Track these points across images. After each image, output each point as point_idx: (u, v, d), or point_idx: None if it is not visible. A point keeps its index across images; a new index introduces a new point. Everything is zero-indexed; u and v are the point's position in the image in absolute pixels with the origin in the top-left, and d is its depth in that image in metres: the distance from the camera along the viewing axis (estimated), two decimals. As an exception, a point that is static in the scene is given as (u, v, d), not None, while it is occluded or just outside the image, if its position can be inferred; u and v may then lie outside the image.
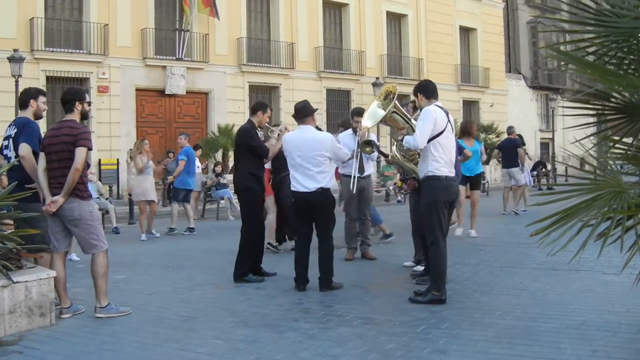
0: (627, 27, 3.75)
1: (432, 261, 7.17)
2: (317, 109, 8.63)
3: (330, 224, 8.08)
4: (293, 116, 8.34)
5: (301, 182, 7.87)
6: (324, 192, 7.90)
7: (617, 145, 4.22)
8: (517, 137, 17.82)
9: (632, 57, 3.97)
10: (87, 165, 6.70)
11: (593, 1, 4.16)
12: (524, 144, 18.25)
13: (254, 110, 8.94)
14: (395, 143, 7.75)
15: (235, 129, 8.80)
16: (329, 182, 8.01)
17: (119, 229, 15.10)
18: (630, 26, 3.75)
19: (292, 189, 8.03)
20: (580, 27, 4.23)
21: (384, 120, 7.63)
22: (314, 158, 7.82)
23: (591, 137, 4.34)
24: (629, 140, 4.21)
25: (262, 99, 31.63)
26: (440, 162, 7.05)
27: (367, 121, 7.94)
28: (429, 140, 6.99)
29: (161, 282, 8.65)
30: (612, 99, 4.18)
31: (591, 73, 3.55)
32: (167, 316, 6.68)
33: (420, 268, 8.58)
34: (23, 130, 6.86)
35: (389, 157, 8.55)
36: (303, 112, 8.16)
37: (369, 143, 8.71)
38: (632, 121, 4.10)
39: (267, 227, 10.46)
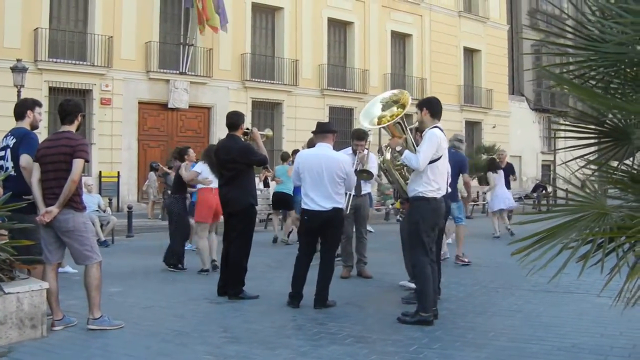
0: (613, 53, 3.80)
1: (417, 283, 7.12)
2: (336, 131, 8.54)
3: (336, 244, 8.06)
4: (312, 132, 8.36)
5: (317, 201, 7.76)
6: (338, 212, 7.87)
7: (602, 169, 4.26)
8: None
9: (617, 81, 4.01)
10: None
11: (584, 26, 4.20)
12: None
13: (235, 125, 8.59)
14: (391, 150, 7.56)
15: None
16: (343, 202, 8.01)
17: (107, 242, 14.83)
18: (615, 51, 3.79)
19: (305, 207, 7.90)
20: (575, 50, 4.28)
21: (384, 126, 7.44)
22: (332, 177, 7.75)
23: (578, 160, 4.36)
24: (615, 163, 4.26)
25: (265, 115, 31.99)
26: (433, 186, 6.98)
27: (363, 120, 7.76)
28: (428, 163, 6.92)
29: (156, 296, 8.64)
30: (601, 123, 4.21)
31: (579, 94, 3.58)
32: (160, 330, 6.67)
33: (412, 285, 8.54)
34: (23, 141, 6.84)
35: (381, 162, 8.20)
36: (325, 128, 8.21)
37: (367, 172, 8.74)
38: (617, 145, 4.14)
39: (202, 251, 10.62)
